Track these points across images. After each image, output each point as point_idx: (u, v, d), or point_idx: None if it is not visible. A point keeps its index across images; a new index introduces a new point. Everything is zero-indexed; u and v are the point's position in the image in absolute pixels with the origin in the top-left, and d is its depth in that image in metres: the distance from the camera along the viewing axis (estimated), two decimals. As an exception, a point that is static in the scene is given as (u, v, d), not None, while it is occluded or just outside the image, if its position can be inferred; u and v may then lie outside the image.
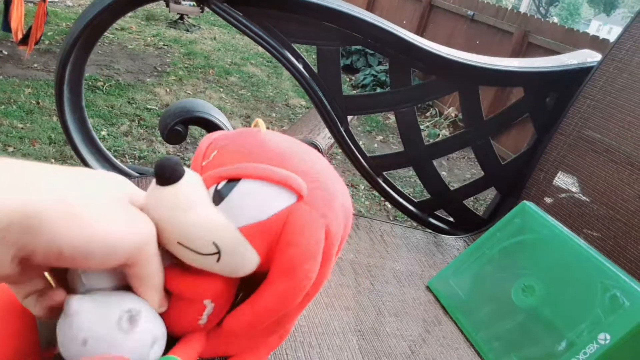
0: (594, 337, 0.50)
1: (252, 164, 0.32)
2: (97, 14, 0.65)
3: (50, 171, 0.28)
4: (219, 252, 0.31)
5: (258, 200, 0.31)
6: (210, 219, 0.31)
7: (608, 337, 0.49)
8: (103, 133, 2.54)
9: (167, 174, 0.30)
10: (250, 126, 0.37)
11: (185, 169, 0.31)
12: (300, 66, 0.75)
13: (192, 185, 0.31)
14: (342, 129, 0.79)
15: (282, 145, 0.34)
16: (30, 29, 2.85)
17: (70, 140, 0.71)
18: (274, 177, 0.31)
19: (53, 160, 2.22)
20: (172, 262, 0.33)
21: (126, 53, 3.84)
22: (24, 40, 2.89)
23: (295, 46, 0.74)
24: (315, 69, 0.77)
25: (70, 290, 0.33)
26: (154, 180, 0.31)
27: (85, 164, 0.72)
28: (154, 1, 0.68)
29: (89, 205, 0.28)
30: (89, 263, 0.28)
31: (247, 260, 0.32)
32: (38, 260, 0.27)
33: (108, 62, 3.48)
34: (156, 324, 0.33)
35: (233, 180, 0.31)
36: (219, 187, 0.31)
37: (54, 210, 0.26)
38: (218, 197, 0.31)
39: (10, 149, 2.19)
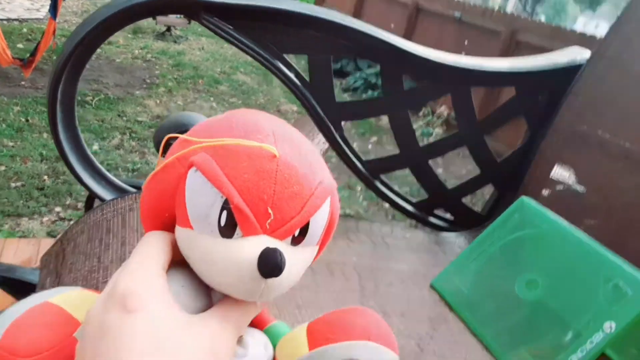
0: (600, 326, 0.51)
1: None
2: (89, 31, 0.65)
3: None
4: None
5: (324, 216, 0.34)
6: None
7: (613, 325, 0.50)
8: (95, 147, 2.53)
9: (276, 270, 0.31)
10: None
11: None
12: (292, 75, 0.75)
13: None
14: (337, 135, 0.79)
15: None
16: (37, 47, 2.82)
17: (65, 159, 0.71)
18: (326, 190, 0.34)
19: (46, 177, 2.20)
20: None
21: (114, 67, 3.83)
22: (29, 59, 2.85)
23: (286, 56, 0.75)
24: (306, 77, 0.77)
25: None
26: None
27: (81, 182, 0.71)
28: (145, 18, 0.68)
29: None
30: None
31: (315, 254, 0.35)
32: None
33: (96, 76, 3.47)
34: (252, 331, 0.37)
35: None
36: (296, 234, 0.32)
37: None
38: (295, 242, 0.33)
39: (2, 168, 2.18)
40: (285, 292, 0.35)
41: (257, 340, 0.38)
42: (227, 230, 0.31)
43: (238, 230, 0.31)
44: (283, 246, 0.31)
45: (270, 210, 0.31)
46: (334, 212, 0.36)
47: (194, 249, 0.33)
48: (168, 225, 0.35)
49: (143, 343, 0.28)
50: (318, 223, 0.33)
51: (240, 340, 0.35)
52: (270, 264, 0.30)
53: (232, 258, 0.31)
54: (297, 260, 0.33)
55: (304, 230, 0.32)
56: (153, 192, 0.35)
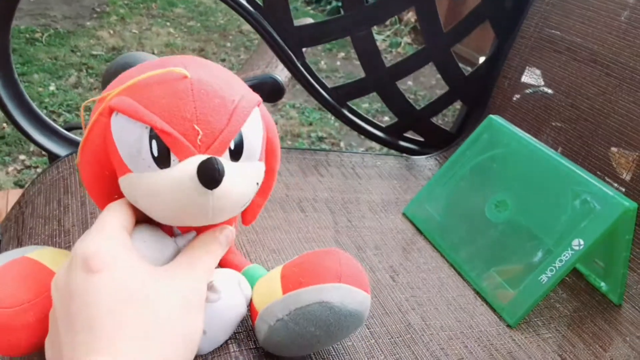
0: (569, 243, 0.51)
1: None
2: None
3: None
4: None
5: (257, 128, 0.35)
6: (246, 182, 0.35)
7: (582, 242, 0.51)
8: (51, 88, 2.41)
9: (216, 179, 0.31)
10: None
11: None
12: (243, 1, 0.69)
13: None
14: (298, 64, 0.75)
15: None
16: None
17: (10, 118, 0.66)
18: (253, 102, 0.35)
19: (5, 124, 2.11)
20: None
21: (59, -4, 3.55)
22: None
23: (235, -22, 0.68)
24: (260, 2, 0.71)
25: None
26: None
27: (31, 140, 0.67)
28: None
29: None
30: None
31: (262, 171, 0.37)
32: None
33: (42, 9, 3.22)
34: (224, 272, 0.38)
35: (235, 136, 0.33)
36: (232, 147, 0.33)
37: None
38: (234, 157, 0.33)
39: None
40: (238, 210, 0.35)
41: (230, 279, 0.38)
42: (163, 160, 0.31)
43: (174, 157, 0.31)
44: (222, 160, 0.31)
45: (197, 127, 0.31)
46: (268, 124, 0.37)
47: (139, 189, 0.32)
48: (115, 187, 0.34)
49: (111, 298, 0.28)
50: (252, 134, 0.34)
51: (210, 286, 0.35)
52: (209, 171, 0.30)
53: (174, 181, 0.31)
54: (240, 174, 0.33)
55: (240, 144, 0.33)
56: (89, 158, 0.35)
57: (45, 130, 0.68)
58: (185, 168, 0.30)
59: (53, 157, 0.72)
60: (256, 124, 0.35)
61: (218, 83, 0.33)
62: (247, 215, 0.42)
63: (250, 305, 0.39)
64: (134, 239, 0.34)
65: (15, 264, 0.36)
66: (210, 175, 0.30)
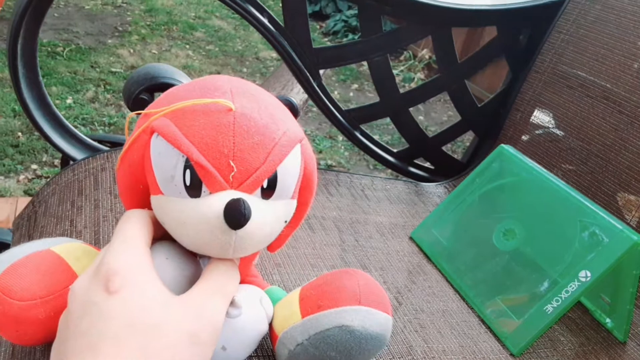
0: (575, 275, 0.51)
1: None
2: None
3: None
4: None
5: (294, 167, 0.34)
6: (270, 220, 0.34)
7: (589, 274, 0.51)
8: (69, 101, 2.45)
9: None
10: None
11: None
12: (265, 20, 0.71)
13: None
14: (314, 84, 0.77)
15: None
16: None
17: (31, 119, 0.68)
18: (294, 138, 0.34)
19: (20, 133, 2.14)
20: None
21: (84, 14, 3.65)
22: None
23: (258, -1, 0.71)
24: (281, 22, 0.74)
25: None
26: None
27: (49, 141, 0.69)
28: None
29: None
30: None
31: (293, 208, 0.37)
32: None
33: (66, 25, 3.31)
34: (245, 287, 0.39)
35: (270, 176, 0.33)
36: (265, 185, 0.33)
37: None
38: (266, 195, 0.33)
39: (-26, 125, 2.11)
40: (262, 247, 0.35)
41: (251, 295, 0.38)
42: (194, 189, 0.31)
43: (205, 189, 0.31)
44: (252, 199, 0.31)
45: (232, 163, 0.31)
46: (307, 161, 0.36)
47: (167, 214, 0.33)
48: (146, 199, 0.35)
49: (119, 322, 0.28)
50: (288, 173, 0.34)
51: (231, 302, 0.34)
52: (235, 213, 0.30)
53: (200, 215, 0.31)
54: (268, 212, 0.33)
55: (274, 183, 0.33)
56: (126, 169, 0.35)
57: (64, 133, 0.70)
58: (214, 204, 0.30)
59: (67, 160, 0.73)
60: (294, 163, 0.34)
61: (262, 117, 0.33)
62: (273, 244, 0.41)
63: (270, 329, 0.39)
64: (157, 255, 0.34)
65: (39, 256, 0.36)
66: (236, 217, 0.30)
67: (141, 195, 0.35)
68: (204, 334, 0.31)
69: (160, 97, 0.35)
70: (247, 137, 0.31)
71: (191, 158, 0.30)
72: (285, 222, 0.35)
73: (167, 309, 0.30)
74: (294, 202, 0.36)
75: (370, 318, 0.35)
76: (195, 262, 0.36)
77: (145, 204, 0.35)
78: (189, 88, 0.34)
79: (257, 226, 0.32)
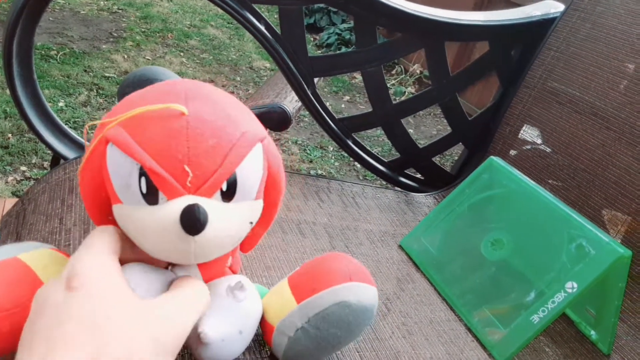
0: (562, 286, 0.52)
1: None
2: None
3: None
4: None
5: (255, 167, 0.34)
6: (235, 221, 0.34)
7: (575, 285, 0.51)
8: (60, 104, 2.44)
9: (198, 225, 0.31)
10: None
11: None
12: (262, 28, 0.72)
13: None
14: (309, 92, 0.77)
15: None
16: None
17: (24, 117, 0.68)
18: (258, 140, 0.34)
19: (10, 134, 2.13)
20: None
21: (79, 19, 3.65)
22: None
23: (256, 6, 0.72)
24: (278, 30, 0.74)
25: None
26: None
27: (41, 140, 0.69)
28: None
29: None
30: None
31: (259, 209, 0.36)
32: None
33: (60, 29, 3.31)
34: (229, 278, 0.39)
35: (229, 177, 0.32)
36: (224, 188, 0.32)
37: None
38: (227, 197, 0.32)
39: (-37, 125, 2.09)
40: (227, 250, 0.35)
41: (241, 278, 0.38)
42: (151, 196, 0.31)
43: (162, 195, 0.31)
44: (212, 203, 0.31)
45: (187, 168, 0.30)
46: (271, 161, 0.36)
47: (128, 222, 0.32)
48: (109, 210, 0.34)
49: (78, 321, 0.27)
50: (249, 174, 0.33)
51: (239, 285, 0.36)
52: (191, 219, 0.30)
53: (158, 221, 0.31)
54: (229, 215, 0.32)
55: (233, 185, 0.32)
56: (88, 181, 0.35)
57: (57, 132, 0.69)
58: (170, 210, 0.30)
59: (57, 161, 0.73)
60: (254, 163, 0.33)
61: (218, 120, 0.32)
62: (245, 245, 0.41)
63: (262, 323, 0.39)
64: (129, 265, 0.34)
65: (4, 266, 0.35)
66: (191, 223, 0.30)
67: (105, 205, 0.34)
68: (169, 342, 0.29)
69: (117, 105, 0.34)
70: (201, 140, 0.31)
71: (144, 165, 0.30)
72: (251, 223, 0.35)
73: (130, 311, 0.29)
74: (260, 203, 0.35)
75: (363, 292, 0.38)
76: (169, 273, 0.36)
77: (111, 214, 0.34)
78: (143, 94, 0.34)
79: (217, 230, 0.31)
